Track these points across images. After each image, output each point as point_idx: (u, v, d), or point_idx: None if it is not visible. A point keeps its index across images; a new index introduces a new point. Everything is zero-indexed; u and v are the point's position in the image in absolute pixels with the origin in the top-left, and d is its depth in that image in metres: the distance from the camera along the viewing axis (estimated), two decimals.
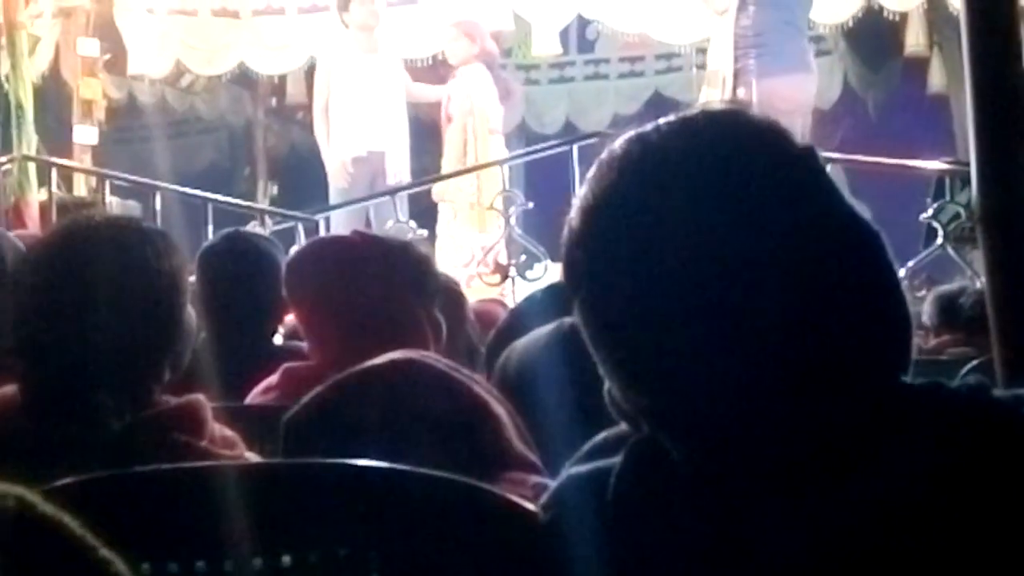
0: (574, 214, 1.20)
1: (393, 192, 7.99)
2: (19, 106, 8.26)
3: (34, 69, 9.17)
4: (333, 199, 8.76)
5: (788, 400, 1.11)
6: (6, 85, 8.35)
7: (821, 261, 1.12)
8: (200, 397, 2.12)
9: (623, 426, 1.25)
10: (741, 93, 7.24)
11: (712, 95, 7.43)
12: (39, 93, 8.94)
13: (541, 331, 1.93)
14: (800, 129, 1.48)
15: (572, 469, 1.29)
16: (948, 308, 4.55)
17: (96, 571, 0.78)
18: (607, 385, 1.21)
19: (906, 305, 1.17)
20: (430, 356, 1.73)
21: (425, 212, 8.81)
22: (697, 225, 1.12)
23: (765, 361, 1.11)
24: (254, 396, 2.88)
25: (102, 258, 2.08)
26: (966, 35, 1.98)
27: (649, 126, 1.19)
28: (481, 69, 8.81)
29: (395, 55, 9.14)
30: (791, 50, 7.30)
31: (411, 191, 8.57)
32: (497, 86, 8.90)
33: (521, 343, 1.98)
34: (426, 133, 9.47)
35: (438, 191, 8.70)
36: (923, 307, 4.71)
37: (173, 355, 2.12)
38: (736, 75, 7.42)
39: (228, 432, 2.16)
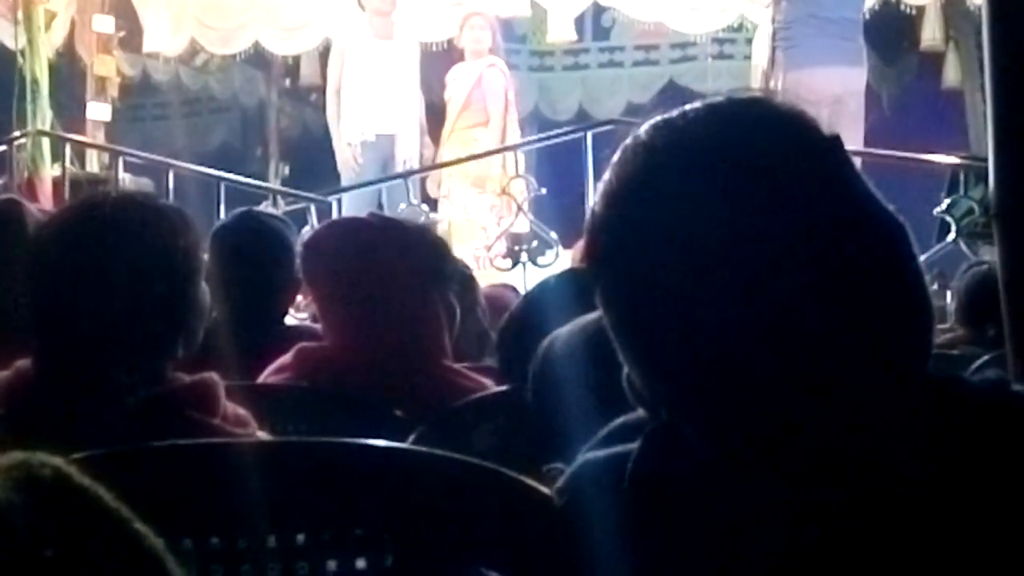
0: (597, 199, 1.20)
1: (407, 175, 8.00)
2: (34, 81, 8.26)
3: (49, 45, 9.18)
4: (344, 182, 8.77)
5: (809, 389, 1.11)
6: (21, 60, 8.35)
7: (845, 250, 1.12)
8: (213, 375, 2.12)
9: (641, 412, 1.25)
10: (772, 85, 7.27)
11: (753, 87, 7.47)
12: (54, 69, 8.93)
13: (583, 322, 1.91)
14: (825, 120, 1.49)
15: (589, 454, 1.29)
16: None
17: (131, 543, 0.78)
18: (626, 371, 1.21)
19: (929, 297, 1.17)
20: None
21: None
22: (721, 211, 1.11)
23: (787, 349, 1.11)
24: (267, 375, 2.88)
25: (118, 234, 2.08)
26: (986, 30, 1.97)
27: (674, 112, 1.18)
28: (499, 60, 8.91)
29: (410, 39, 9.14)
30: (818, 44, 7.30)
31: (423, 174, 8.57)
32: None
33: (563, 335, 1.96)
34: (438, 119, 9.47)
35: (480, 175, 8.67)
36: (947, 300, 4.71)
37: (187, 332, 2.12)
38: (770, 67, 7.46)
39: (241, 411, 2.16)
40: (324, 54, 10.92)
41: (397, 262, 2.80)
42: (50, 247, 2.12)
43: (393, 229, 2.93)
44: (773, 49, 7.48)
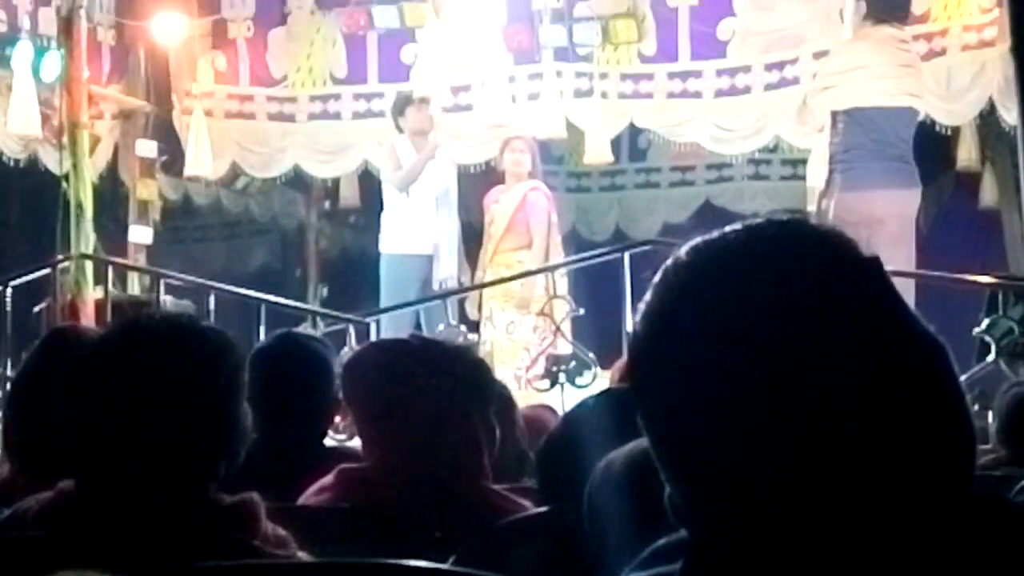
0: (638, 320, 1.21)
1: (445, 296, 8.05)
2: (78, 205, 8.37)
3: (93, 169, 9.31)
4: (384, 300, 8.84)
5: (851, 513, 1.11)
6: (66, 184, 8.48)
7: (886, 373, 1.12)
8: (254, 495, 2.13)
9: (683, 532, 1.25)
10: (823, 206, 7.33)
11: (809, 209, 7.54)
12: (97, 192, 9.06)
13: (640, 443, 1.91)
14: (865, 242, 1.50)
15: (631, 574, 1.29)
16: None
17: None
18: (668, 491, 1.21)
19: (971, 419, 1.17)
20: None
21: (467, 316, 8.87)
22: (762, 334, 1.12)
23: (830, 473, 1.11)
24: (308, 496, 2.88)
25: (161, 357, 2.10)
26: (1021, 151, 1.99)
27: (714, 233, 1.20)
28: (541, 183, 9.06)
29: (449, 160, 9.26)
30: (876, 167, 7.37)
31: (462, 295, 8.62)
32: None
33: (622, 454, 1.96)
34: (476, 240, 9.55)
35: (524, 297, 8.74)
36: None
37: (229, 453, 2.14)
38: (825, 189, 7.53)
39: (281, 531, 2.16)
40: (363, 177, 11.06)
41: (437, 383, 2.81)
42: (93, 370, 2.14)
43: (433, 350, 2.94)
44: (830, 171, 7.55)
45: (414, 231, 9.03)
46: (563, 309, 7.81)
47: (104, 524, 2.01)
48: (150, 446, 2.04)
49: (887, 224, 7.19)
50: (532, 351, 8.37)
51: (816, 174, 8.00)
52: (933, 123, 9.34)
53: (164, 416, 2.05)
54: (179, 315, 2.50)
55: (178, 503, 2.03)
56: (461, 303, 8.78)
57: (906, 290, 1.26)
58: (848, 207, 7.18)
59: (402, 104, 9.39)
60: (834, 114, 7.59)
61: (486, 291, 8.91)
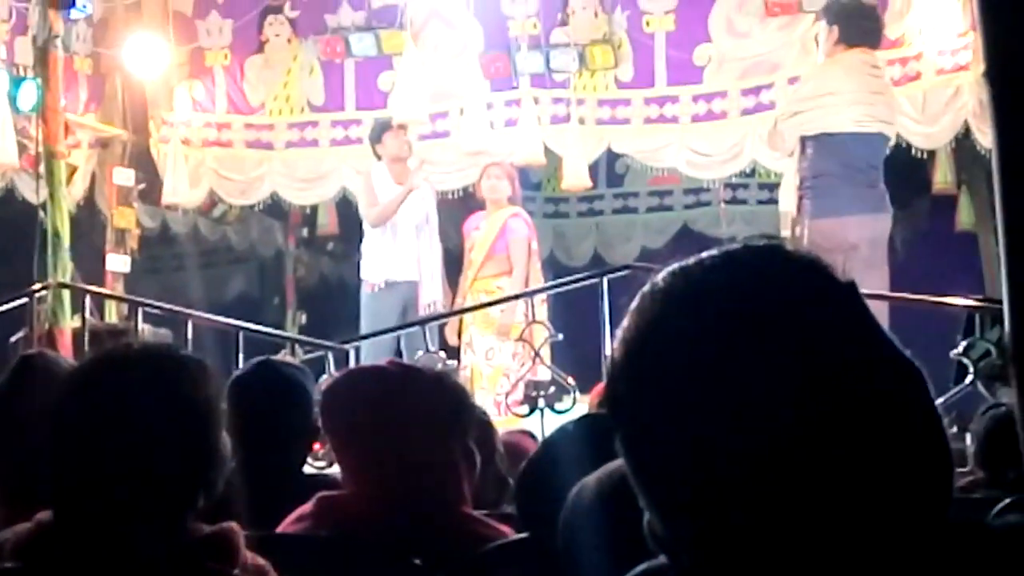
0: (616, 345, 1.21)
1: (424, 322, 8.03)
2: (56, 234, 8.33)
3: (70, 198, 9.29)
4: (364, 326, 8.83)
5: (829, 537, 1.11)
6: (43, 213, 8.45)
7: (862, 397, 1.13)
8: (233, 525, 2.12)
9: (662, 558, 1.25)
10: (798, 232, 7.34)
11: (784, 235, 7.54)
12: (74, 221, 9.03)
13: (614, 466, 1.91)
14: (852, 267, 1.50)
15: None
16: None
17: None
18: (647, 516, 1.21)
19: (948, 443, 1.17)
20: None
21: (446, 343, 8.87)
22: (738, 359, 1.12)
23: (806, 497, 1.11)
24: (287, 525, 2.87)
25: (138, 387, 2.09)
26: (997, 174, 1.99)
27: (691, 259, 1.20)
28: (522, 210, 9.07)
29: (427, 186, 9.26)
30: (846, 193, 7.38)
31: (440, 322, 8.61)
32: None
33: (594, 479, 1.96)
34: (455, 266, 9.55)
35: (504, 324, 8.74)
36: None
37: (207, 482, 2.13)
38: (797, 215, 7.54)
39: (260, 560, 2.16)
40: (341, 204, 11.07)
41: (415, 410, 2.81)
42: (69, 400, 2.13)
43: (412, 377, 2.94)
44: (800, 197, 7.56)
45: (395, 258, 9.02)
46: (542, 334, 7.80)
47: (81, 556, 2.00)
48: (126, 478, 2.03)
49: (860, 249, 7.20)
50: (512, 377, 8.37)
51: (788, 199, 8.01)
52: (909, 147, 9.39)
53: (140, 447, 2.04)
54: (157, 344, 2.50)
55: (156, 534, 2.02)
56: (441, 330, 8.77)
57: (879, 313, 1.26)
58: (821, 233, 7.19)
59: (379, 131, 9.40)
60: (803, 139, 7.59)
61: (466, 317, 8.91)
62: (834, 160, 7.42)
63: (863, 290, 1.21)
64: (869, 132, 7.54)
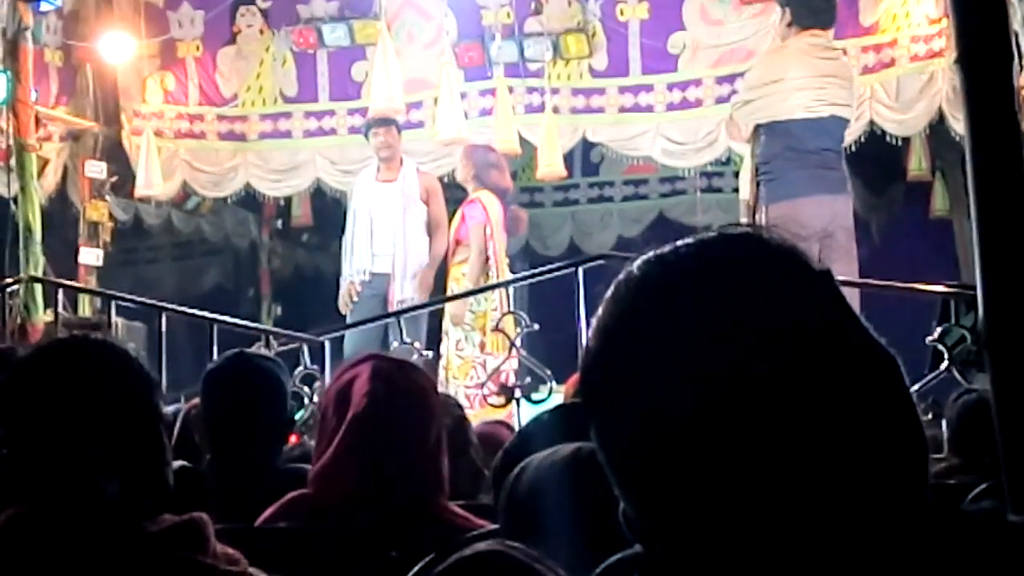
0: (591, 334, 1.20)
1: (399, 314, 8.00)
2: (27, 227, 8.31)
3: (42, 191, 9.25)
4: (350, 318, 8.82)
5: (807, 525, 1.11)
6: (14, 207, 8.42)
7: (836, 384, 1.12)
8: (203, 515, 2.11)
9: (637, 547, 1.24)
10: (757, 218, 7.33)
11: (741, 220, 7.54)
12: (46, 214, 9.00)
13: (557, 453, 1.91)
14: (815, 253, 1.49)
15: None
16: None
17: None
18: (622, 506, 1.20)
19: (923, 430, 1.16)
20: (516, 549, 1.71)
21: (429, 333, 8.85)
22: (713, 346, 1.12)
23: (783, 486, 1.10)
24: (262, 522, 2.86)
25: (73, 374, 2.11)
26: (970, 159, 1.99)
27: (666, 247, 1.19)
28: (492, 195, 8.97)
29: (412, 180, 9.19)
30: (798, 176, 7.37)
31: (420, 312, 8.58)
32: (505, 215, 9.05)
33: (535, 462, 1.96)
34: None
35: (455, 313, 8.76)
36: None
37: (157, 468, 2.12)
38: (754, 200, 7.53)
39: (231, 550, 2.14)
40: (315, 195, 11.04)
41: (398, 402, 2.80)
42: (11, 394, 2.13)
43: (399, 369, 2.92)
44: (756, 183, 7.56)
45: (374, 252, 9.00)
46: (517, 325, 7.79)
47: (48, 548, 1.99)
48: (72, 465, 2.03)
49: (828, 233, 7.21)
50: (487, 367, 8.35)
51: (744, 186, 8.02)
52: (884, 133, 9.42)
53: (82, 433, 2.04)
54: (87, 335, 2.47)
55: (122, 523, 2.01)
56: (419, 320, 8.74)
57: (850, 299, 1.26)
58: (778, 217, 7.18)
59: (370, 125, 9.34)
60: (756, 126, 7.60)
61: (450, 309, 8.90)
62: (784, 145, 7.42)
63: (835, 276, 1.21)
64: (820, 117, 7.52)
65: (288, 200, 11.66)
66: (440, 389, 4.53)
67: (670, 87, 9.96)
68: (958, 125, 8.39)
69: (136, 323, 9.38)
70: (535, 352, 7.65)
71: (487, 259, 8.90)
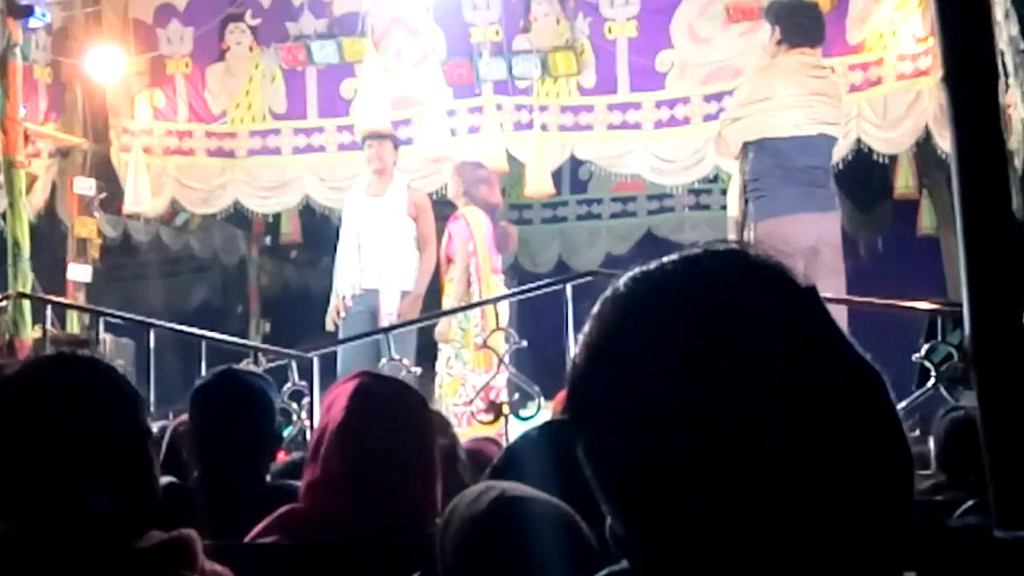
0: (578, 351, 1.20)
1: (387, 331, 8.00)
2: (16, 244, 8.30)
3: (31, 208, 9.24)
4: (341, 334, 8.81)
5: (792, 541, 1.11)
6: (3, 223, 8.41)
7: (823, 401, 1.12)
8: (191, 532, 2.11)
9: (624, 563, 1.24)
10: (746, 235, 7.35)
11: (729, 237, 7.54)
12: (34, 231, 8.99)
13: (478, 502, 1.93)
14: (801, 270, 1.49)
15: None
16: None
17: None
18: (609, 521, 1.21)
19: (908, 446, 1.17)
20: None
21: (424, 349, 8.86)
22: (699, 364, 1.12)
23: (768, 502, 1.11)
24: (252, 536, 2.86)
25: (62, 391, 2.10)
26: (956, 177, 2.00)
27: (652, 264, 1.19)
28: (479, 211, 8.98)
29: (401, 195, 9.19)
30: (787, 193, 7.39)
31: (407, 329, 8.58)
32: (495, 231, 9.06)
33: (459, 509, 1.98)
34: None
35: (440, 331, 8.78)
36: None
37: (145, 485, 2.12)
38: (742, 217, 7.55)
39: (219, 567, 2.15)
40: (304, 212, 11.04)
41: (397, 421, 2.80)
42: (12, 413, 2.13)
43: (396, 388, 2.93)
44: (745, 200, 7.58)
45: (362, 268, 9.00)
46: (505, 341, 7.80)
47: (36, 565, 1.99)
48: (61, 482, 2.03)
49: (808, 248, 7.22)
50: (475, 385, 8.35)
51: (733, 203, 8.04)
52: (871, 151, 9.44)
53: (71, 450, 2.04)
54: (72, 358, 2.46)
55: (110, 540, 2.01)
56: (410, 336, 8.74)
57: (837, 316, 1.26)
58: (766, 234, 7.19)
59: (366, 137, 9.35)
60: (745, 144, 7.62)
61: (438, 326, 8.90)
62: (772, 163, 7.43)
63: (823, 293, 1.21)
64: (809, 135, 7.54)
65: (277, 217, 11.65)
66: (434, 407, 4.54)
67: (658, 105, 9.98)
68: (944, 143, 8.42)
69: (124, 339, 9.37)
70: (524, 368, 7.66)
71: (470, 276, 8.91)
